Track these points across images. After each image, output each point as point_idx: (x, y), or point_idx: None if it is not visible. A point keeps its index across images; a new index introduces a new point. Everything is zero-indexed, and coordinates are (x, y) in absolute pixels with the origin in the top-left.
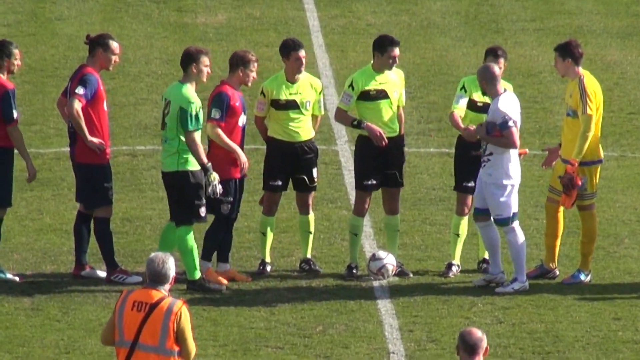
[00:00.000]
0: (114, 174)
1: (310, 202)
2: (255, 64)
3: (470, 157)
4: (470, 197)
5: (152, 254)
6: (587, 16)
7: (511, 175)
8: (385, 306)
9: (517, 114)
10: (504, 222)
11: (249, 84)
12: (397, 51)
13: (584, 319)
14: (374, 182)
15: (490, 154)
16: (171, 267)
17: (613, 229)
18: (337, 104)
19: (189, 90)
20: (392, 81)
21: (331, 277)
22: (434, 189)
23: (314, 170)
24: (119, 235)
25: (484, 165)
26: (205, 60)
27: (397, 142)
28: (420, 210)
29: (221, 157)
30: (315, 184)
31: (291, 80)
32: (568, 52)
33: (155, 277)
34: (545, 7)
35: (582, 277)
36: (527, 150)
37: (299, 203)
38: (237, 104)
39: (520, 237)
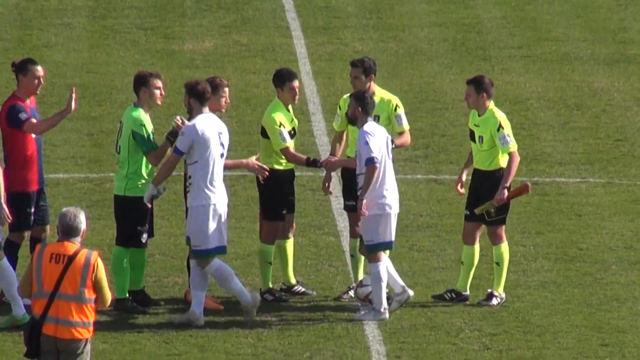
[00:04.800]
0: (102, 200)
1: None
2: (226, 89)
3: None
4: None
5: (64, 209)
6: (574, 43)
7: None
8: (372, 332)
9: None
10: None
11: (223, 110)
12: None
13: (572, 345)
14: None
15: None
16: (82, 220)
17: (600, 255)
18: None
19: (141, 114)
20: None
21: (318, 303)
22: (421, 215)
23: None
24: (106, 261)
25: None
26: (155, 82)
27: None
28: (408, 237)
29: None
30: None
31: (288, 110)
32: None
33: (67, 231)
34: (532, 34)
35: None
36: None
37: (286, 227)
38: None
39: None
